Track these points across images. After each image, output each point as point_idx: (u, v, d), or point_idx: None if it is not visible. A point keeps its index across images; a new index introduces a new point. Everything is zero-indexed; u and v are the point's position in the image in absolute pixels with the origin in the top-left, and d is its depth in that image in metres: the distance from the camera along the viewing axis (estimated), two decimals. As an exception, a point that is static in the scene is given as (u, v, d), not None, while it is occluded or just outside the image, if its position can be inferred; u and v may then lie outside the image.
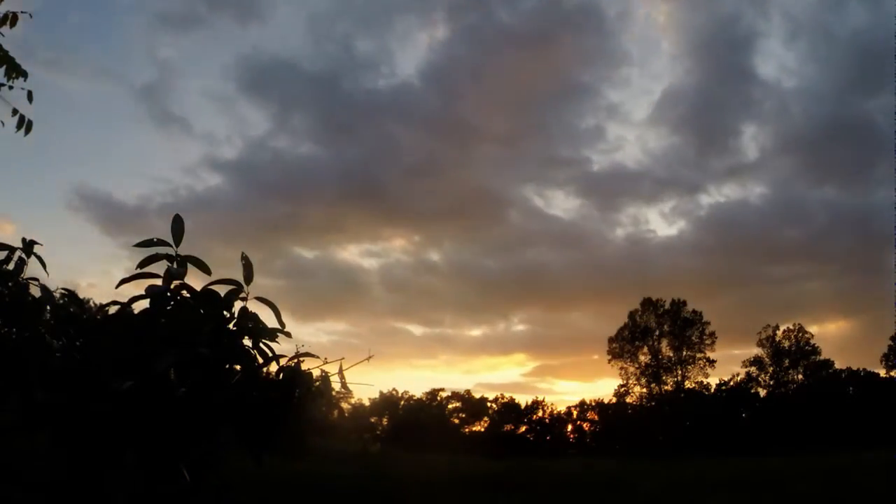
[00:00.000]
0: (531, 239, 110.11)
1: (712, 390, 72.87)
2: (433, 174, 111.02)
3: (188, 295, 2.64)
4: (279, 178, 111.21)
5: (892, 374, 68.34)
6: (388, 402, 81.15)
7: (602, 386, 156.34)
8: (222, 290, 2.67)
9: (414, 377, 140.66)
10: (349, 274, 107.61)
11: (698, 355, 73.20)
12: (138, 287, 2.66)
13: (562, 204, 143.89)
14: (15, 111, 4.56)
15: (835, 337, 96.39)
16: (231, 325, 2.66)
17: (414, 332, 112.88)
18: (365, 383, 2.93)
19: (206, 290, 2.64)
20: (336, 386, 2.82)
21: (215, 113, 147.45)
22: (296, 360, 2.74)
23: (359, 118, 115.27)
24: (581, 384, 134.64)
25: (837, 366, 72.29)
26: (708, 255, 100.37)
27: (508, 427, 79.78)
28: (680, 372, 73.25)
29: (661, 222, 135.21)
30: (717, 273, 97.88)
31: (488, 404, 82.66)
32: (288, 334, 2.75)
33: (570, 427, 79.85)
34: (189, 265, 2.72)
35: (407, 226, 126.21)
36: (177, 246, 2.69)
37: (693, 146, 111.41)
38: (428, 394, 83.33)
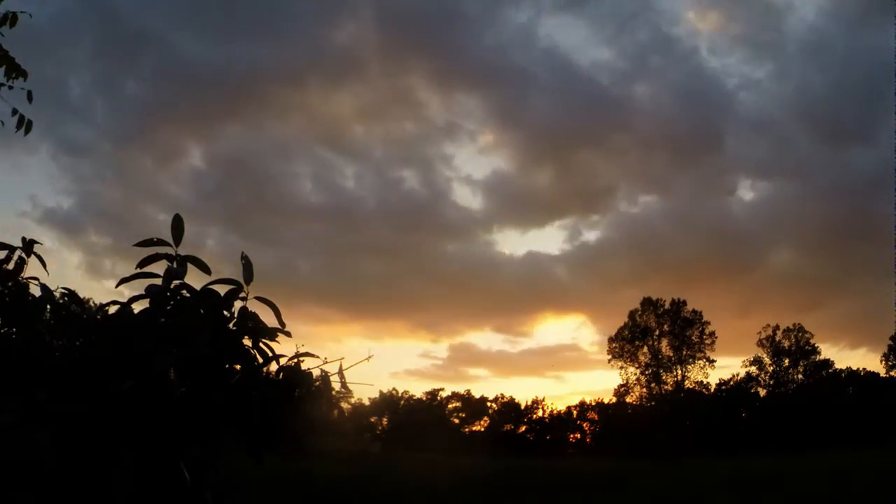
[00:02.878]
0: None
1: (712, 390, 72.90)
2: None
3: (188, 295, 2.64)
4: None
5: (892, 374, 68.40)
6: (388, 402, 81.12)
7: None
8: (222, 289, 2.67)
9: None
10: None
11: (698, 355, 73.25)
12: (138, 287, 2.66)
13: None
14: (15, 111, 4.56)
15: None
16: (231, 325, 2.66)
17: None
18: (365, 383, 2.94)
19: (206, 290, 2.64)
20: (336, 386, 2.82)
21: None
22: (296, 360, 2.74)
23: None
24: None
25: (837, 366, 72.41)
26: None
27: (508, 427, 79.74)
28: (680, 372, 73.30)
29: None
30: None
31: (488, 404, 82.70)
32: (288, 334, 2.75)
33: (570, 427, 79.82)
34: (189, 265, 2.72)
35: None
36: (176, 246, 2.69)
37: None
38: (428, 394, 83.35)
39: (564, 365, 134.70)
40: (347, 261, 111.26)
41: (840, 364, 73.16)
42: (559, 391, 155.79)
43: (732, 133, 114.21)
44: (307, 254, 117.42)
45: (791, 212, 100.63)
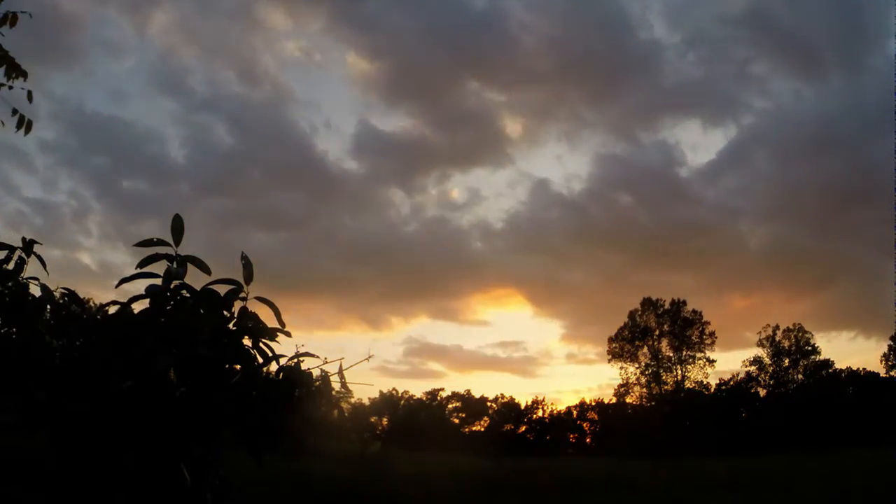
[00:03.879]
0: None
1: (712, 390, 72.89)
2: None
3: (188, 295, 2.63)
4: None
5: (892, 374, 68.37)
6: (388, 402, 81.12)
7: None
8: (222, 289, 2.67)
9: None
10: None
11: (698, 355, 73.25)
12: (138, 287, 2.66)
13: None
14: (15, 111, 4.56)
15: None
16: (231, 325, 2.66)
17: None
18: (365, 383, 2.93)
19: (206, 290, 2.64)
20: (336, 386, 2.82)
21: None
22: (296, 360, 2.74)
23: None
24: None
25: (837, 366, 72.41)
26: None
27: (508, 427, 79.77)
28: (680, 372, 73.28)
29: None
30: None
31: (488, 404, 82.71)
32: (288, 334, 2.75)
33: (570, 427, 79.81)
34: (189, 265, 2.72)
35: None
36: (176, 246, 2.69)
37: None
38: (428, 394, 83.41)
39: (526, 360, 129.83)
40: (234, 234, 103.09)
41: (831, 354, 73.12)
42: (526, 386, 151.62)
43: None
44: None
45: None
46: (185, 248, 2.70)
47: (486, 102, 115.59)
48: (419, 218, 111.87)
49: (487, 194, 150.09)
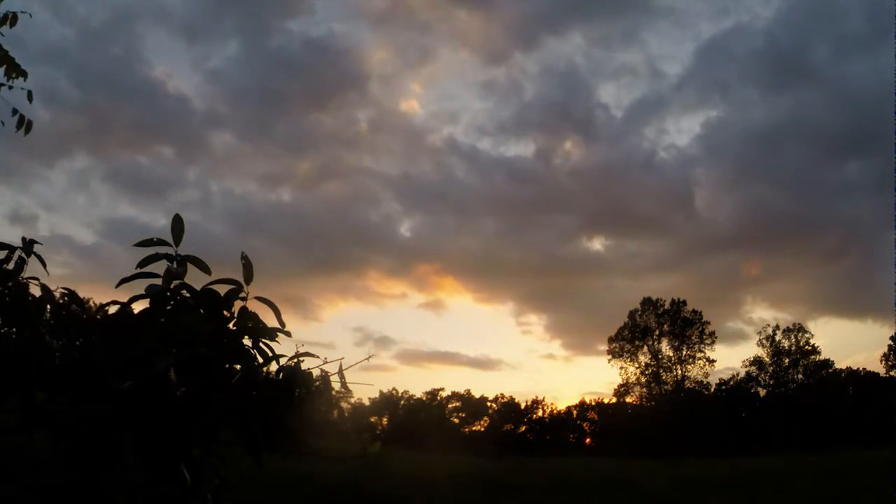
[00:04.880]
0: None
1: (712, 390, 72.90)
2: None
3: (188, 295, 2.64)
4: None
5: (892, 374, 68.38)
6: (388, 402, 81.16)
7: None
8: (222, 289, 2.67)
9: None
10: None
11: (698, 355, 73.26)
12: (138, 287, 2.66)
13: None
14: (15, 111, 4.56)
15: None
16: (231, 325, 2.66)
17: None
18: (365, 383, 2.94)
19: (206, 290, 2.64)
20: (336, 386, 2.82)
21: None
22: (296, 360, 2.75)
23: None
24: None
25: (837, 366, 72.43)
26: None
27: (508, 427, 79.81)
28: (680, 372, 73.29)
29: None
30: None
31: (488, 404, 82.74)
32: (288, 334, 2.75)
33: (570, 427, 79.85)
34: (189, 265, 2.72)
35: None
36: (177, 245, 2.69)
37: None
38: (428, 394, 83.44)
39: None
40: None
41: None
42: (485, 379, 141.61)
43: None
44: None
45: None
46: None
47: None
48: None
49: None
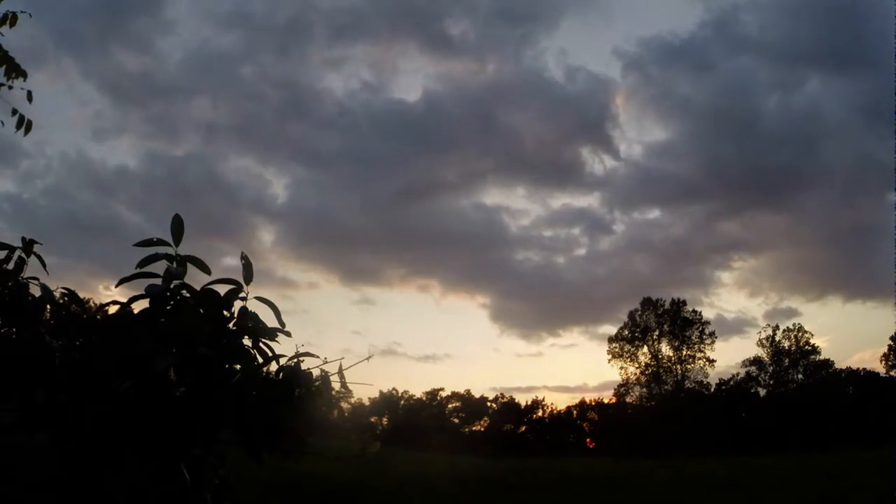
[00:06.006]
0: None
1: (712, 390, 72.88)
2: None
3: (188, 295, 2.64)
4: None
5: (892, 373, 68.38)
6: (388, 402, 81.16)
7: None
8: (222, 289, 2.67)
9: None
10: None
11: (698, 355, 73.25)
12: (138, 287, 2.66)
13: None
14: (15, 111, 4.56)
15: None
16: (231, 325, 2.66)
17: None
18: (365, 383, 2.94)
19: (206, 290, 2.64)
20: (336, 386, 2.82)
21: None
22: (296, 360, 2.75)
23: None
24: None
25: (837, 366, 72.48)
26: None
27: (508, 427, 79.80)
28: (680, 372, 73.26)
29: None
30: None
31: (488, 404, 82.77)
32: (288, 334, 2.75)
33: (570, 427, 79.84)
34: (189, 265, 2.72)
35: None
36: (176, 245, 2.69)
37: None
38: (428, 394, 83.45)
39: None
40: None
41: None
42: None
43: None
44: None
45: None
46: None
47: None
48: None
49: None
